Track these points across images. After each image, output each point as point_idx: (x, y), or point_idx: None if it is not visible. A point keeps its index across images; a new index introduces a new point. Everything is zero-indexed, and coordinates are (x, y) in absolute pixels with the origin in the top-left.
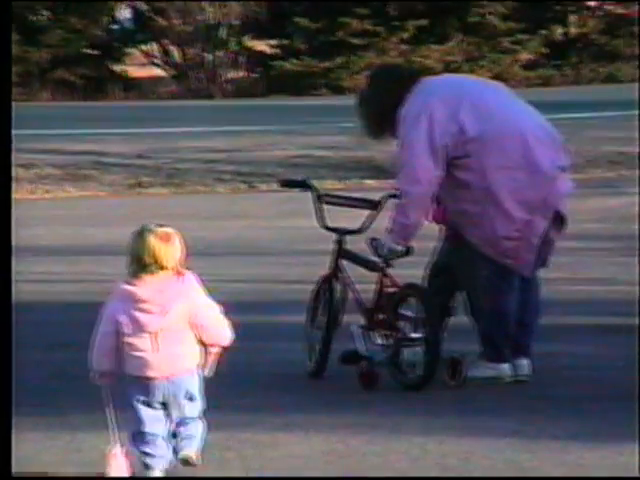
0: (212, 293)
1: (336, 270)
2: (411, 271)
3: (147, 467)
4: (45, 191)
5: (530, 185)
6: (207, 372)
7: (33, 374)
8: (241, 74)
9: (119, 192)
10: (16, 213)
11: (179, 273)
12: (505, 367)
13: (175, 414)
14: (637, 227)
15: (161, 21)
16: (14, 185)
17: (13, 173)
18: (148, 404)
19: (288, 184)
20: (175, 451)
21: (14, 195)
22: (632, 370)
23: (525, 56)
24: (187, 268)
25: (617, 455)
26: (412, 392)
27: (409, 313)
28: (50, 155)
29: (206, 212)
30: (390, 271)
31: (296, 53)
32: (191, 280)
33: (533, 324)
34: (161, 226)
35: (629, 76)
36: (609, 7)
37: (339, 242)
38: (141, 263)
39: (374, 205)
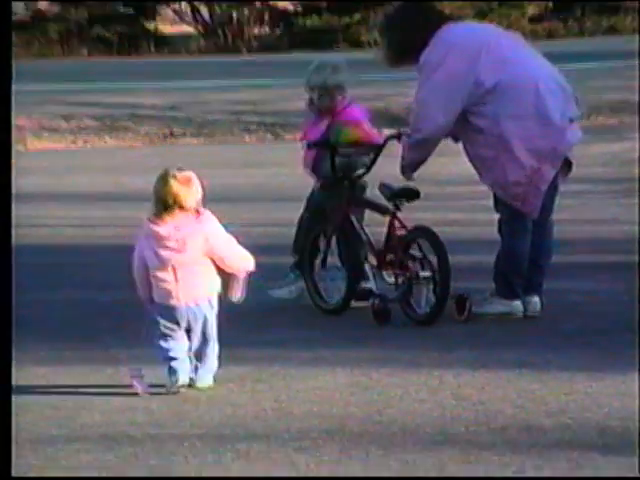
0: (239, 235)
1: (347, 213)
2: (419, 214)
3: (172, 372)
4: (85, 141)
5: (541, 134)
6: (236, 298)
7: (79, 313)
8: (266, 31)
9: (153, 142)
10: (57, 162)
11: (197, 212)
12: (517, 304)
13: (195, 339)
14: (637, 171)
15: None
16: (57, 135)
17: (55, 124)
18: (172, 327)
19: (316, 144)
20: (193, 377)
21: (57, 145)
22: (635, 304)
23: (532, 10)
24: (211, 210)
25: (620, 383)
26: (428, 328)
27: (418, 253)
28: (89, 107)
29: (235, 160)
30: (399, 215)
31: (317, 10)
32: (208, 218)
33: (546, 265)
34: (181, 170)
35: (629, 28)
36: None
37: (350, 187)
38: (163, 204)
39: (378, 148)
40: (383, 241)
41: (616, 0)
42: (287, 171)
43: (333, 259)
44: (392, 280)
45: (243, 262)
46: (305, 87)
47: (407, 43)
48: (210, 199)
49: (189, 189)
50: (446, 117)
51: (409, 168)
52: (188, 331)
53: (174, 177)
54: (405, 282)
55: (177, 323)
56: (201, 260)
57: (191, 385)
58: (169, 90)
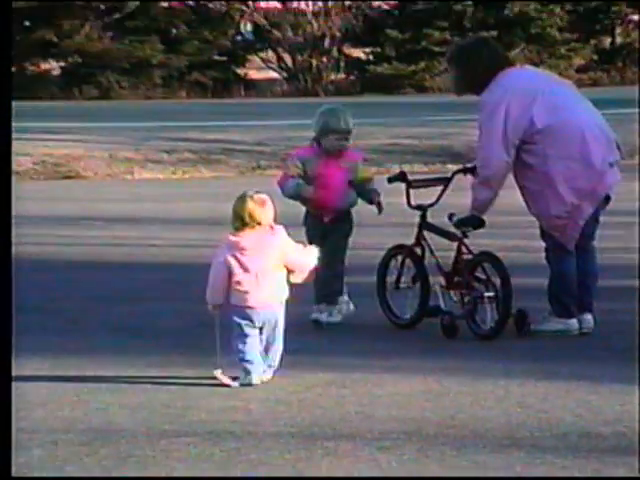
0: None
1: (420, 239)
2: (483, 240)
3: (247, 372)
4: (183, 172)
5: (583, 176)
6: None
7: (185, 323)
8: (341, 76)
9: (243, 173)
10: (160, 191)
11: (272, 228)
12: (573, 322)
13: (267, 337)
14: None
15: (276, 33)
16: (159, 167)
17: (159, 156)
18: (249, 327)
19: (391, 180)
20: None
21: (159, 175)
22: None
23: (578, 61)
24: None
25: None
26: (494, 342)
27: (483, 276)
28: (187, 142)
29: None
30: (466, 241)
31: (387, 59)
32: (281, 232)
33: (594, 285)
34: (257, 193)
35: None
36: None
37: (423, 216)
38: (243, 221)
39: (447, 180)
40: (451, 264)
41: None
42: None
43: (406, 279)
44: (459, 299)
45: (309, 262)
46: (319, 129)
47: (476, 76)
48: (292, 224)
49: (264, 209)
50: (509, 153)
51: (482, 210)
52: (261, 331)
53: (251, 198)
54: (471, 301)
55: (253, 324)
56: (277, 268)
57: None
58: (256, 128)
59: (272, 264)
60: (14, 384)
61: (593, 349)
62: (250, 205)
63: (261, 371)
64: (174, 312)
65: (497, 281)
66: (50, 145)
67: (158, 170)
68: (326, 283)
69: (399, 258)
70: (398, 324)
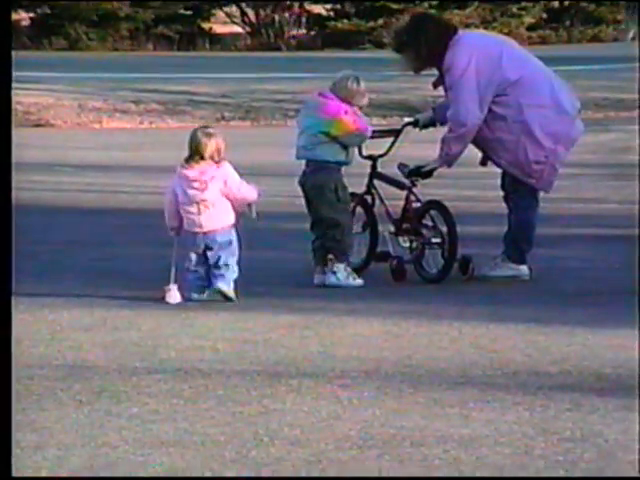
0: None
1: (370, 187)
2: (432, 190)
3: (192, 290)
4: (150, 122)
5: (557, 121)
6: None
7: (156, 266)
8: (302, 32)
9: (208, 124)
10: (128, 140)
11: (217, 163)
12: (524, 268)
13: (212, 259)
14: (622, 157)
15: None
16: (127, 117)
17: (126, 107)
18: (195, 250)
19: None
20: (211, 285)
21: (126, 125)
22: (626, 271)
23: (528, 20)
24: (259, 183)
25: (615, 337)
26: (449, 287)
27: (430, 223)
28: (154, 94)
29: (278, 141)
30: (415, 190)
31: (347, 15)
32: (225, 167)
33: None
34: (206, 127)
35: (610, 37)
36: None
37: (373, 166)
38: (190, 153)
39: (397, 132)
40: (400, 212)
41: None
42: None
43: (356, 226)
44: (407, 245)
45: (250, 196)
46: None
47: (431, 51)
48: (258, 173)
49: (208, 143)
50: (482, 110)
51: (451, 162)
52: (207, 252)
53: (199, 131)
54: (419, 247)
55: (198, 246)
56: (218, 198)
57: (220, 292)
58: (221, 81)
59: (214, 195)
60: None
61: (543, 294)
62: (196, 138)
63: (202, 290)
64: (143, 255)
65: (444, 228)
66: (20, 94)
67: (126, 120)
68: None
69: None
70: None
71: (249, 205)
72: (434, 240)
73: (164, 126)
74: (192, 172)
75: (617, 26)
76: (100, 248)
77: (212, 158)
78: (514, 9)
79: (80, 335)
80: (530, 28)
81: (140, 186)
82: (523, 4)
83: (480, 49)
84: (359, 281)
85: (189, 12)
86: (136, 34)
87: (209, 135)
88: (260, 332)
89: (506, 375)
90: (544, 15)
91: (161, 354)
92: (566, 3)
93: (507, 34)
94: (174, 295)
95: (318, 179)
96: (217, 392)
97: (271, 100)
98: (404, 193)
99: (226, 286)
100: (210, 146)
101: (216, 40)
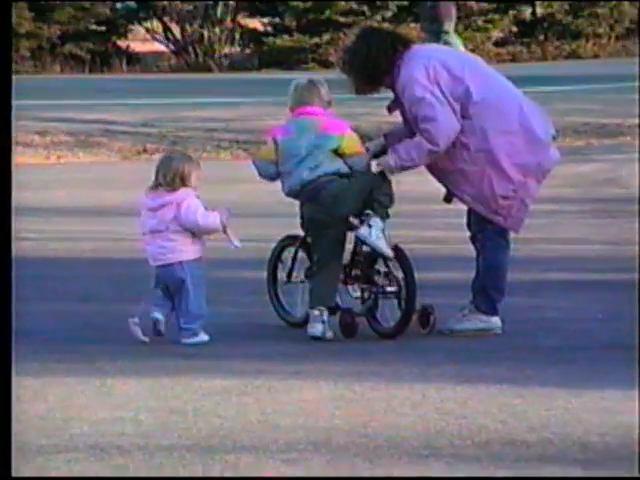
0: (219, 251)
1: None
2: (394, 232)
3: (155, 324)
4: (58, 157)
5: (526, 150)
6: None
7: (63, 325)
8: (236, 50)
9: (127, 158)
10: (32, 177)
11: (174, 190)
12: (496, 320)
13: (174, 298)
14: (605, 191)
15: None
16: (30, 150)
17: (29, 139)
18: (155, 285)
19: None
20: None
21: (30, 160)
22: (610, 322)
23: (496, 34)
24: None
25: (601, 400)
26: (409, 343)
27: (384, 269)
28: (63, 123)
29: (210, 177)
30: None
31: (287, 30)
32: (182, 194)
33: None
34: (178, 152)
35: (590, 53)
36: None
37: None
38: (153, 180)
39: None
40: (349, 256)
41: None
42: (265, 187)
43: (298, 273)
44: (358, 295)
45: (212, 224)
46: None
47: (377, 68)
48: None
49: (170, 165)
50: (459, 121)
51: (406, 169)
52: (166, 290)
53: (166, 154)
54: (371, 297)
55: (158, 281)
56: (173, 228)
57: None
58: (141, 107)
59: (166, 225)
60: None
61: (518, 349)
62: (159, 162)
63: (160, 327)
64: (53, 312)
65: (400, 274)
66: None
67: (29, 154)
68: None
69: (291, 250)
70: (290, 322)
71: (225, 234)
72: (389, 289)
73: (75, 160)
74: (149, 200)
75: (598, 40)
76: None
77: (170, 185)
78: (479, 21)
79: None
80: (498, 43)
81: (48, 231)
82: (490, 16)
83: (439, 61)
84: (330, 334)
85: (102, 28)
86: (40, 54)
87: (170, 159)
88: (189, 400)
89: (477, 445)
90: (514, 28)
91: (72, 429)
92: (539, 14)
93: (472, 51)
94: (135, 330)
95: (334, 187)
96: (139, 473)
97: (201, 129)
98: (352, 234)
99: (190, 339)
100: (171, 171)
101: (135, 60)
